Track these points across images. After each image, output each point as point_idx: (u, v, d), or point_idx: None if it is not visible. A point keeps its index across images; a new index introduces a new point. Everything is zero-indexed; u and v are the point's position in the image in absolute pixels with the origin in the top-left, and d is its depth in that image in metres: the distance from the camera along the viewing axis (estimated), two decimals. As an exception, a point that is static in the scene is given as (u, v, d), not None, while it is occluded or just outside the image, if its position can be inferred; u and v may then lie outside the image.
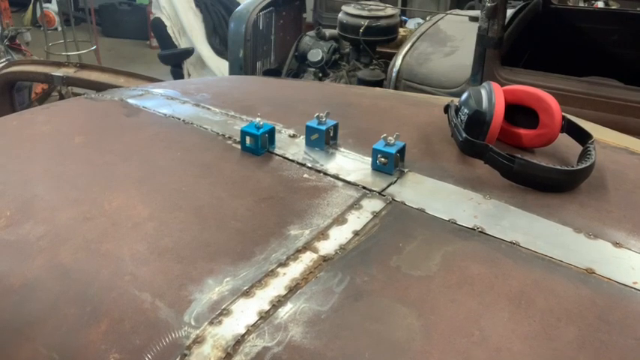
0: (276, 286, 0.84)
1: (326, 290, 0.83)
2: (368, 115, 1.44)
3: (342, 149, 1.22)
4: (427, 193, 1.07)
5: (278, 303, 0.81)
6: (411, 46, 3.11)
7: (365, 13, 3.50)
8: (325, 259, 0.89)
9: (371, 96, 1.65)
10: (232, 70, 3.69)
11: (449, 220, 0.99)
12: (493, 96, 1.16)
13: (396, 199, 1.05)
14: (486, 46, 2.54)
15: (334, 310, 0.79)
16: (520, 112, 1.21)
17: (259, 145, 1.18)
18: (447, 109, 1.27)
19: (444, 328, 0.77)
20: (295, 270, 0.87)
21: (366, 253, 0.91)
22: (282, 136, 1.27)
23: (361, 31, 3.42)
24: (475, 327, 0.77)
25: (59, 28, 7.32)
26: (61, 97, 2.95)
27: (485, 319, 0.78)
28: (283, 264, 0.88)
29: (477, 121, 1.15)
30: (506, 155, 1.07)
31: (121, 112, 1.42)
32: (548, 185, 1.07)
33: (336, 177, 1.12)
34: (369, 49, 3.55)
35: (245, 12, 3.56)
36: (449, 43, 3.18)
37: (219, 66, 6.08)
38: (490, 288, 0.84)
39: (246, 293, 0.82)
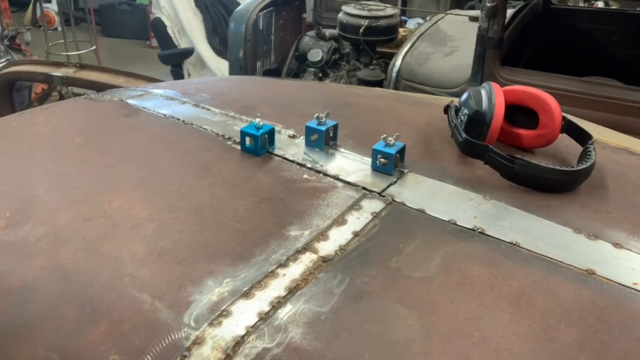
0: (276, 287, 0.83)
1: (326, 291, 0.83)
2: (368, 115, 1.44)
3: (341, 150, 1.21)
4: (427, 194, 1.06)
5: (278, 304, 0.81)
6: (411, 46, 3.11)
7: (365, 13, 3.49)
8: (325, 260, 0.89)
9: (371, 96, 1.65)
10: (232, 70, 3.69)
11: (449, 221, 0.99)
12: (493, 96, 1.16)
13: (395, 199, 1.05)
14: (486, 46, 2.54)
15: (334, 312, 0.79)
16: (520, 113, 1.21)
17: (259, 146, 1.18)
18: (446, 109, 1.27)
19: (444, 329, 0.77)
20: (295, 271, 0.87)
21: (365, 254, 0.91)
22: (281, 136, 1.26)
23: (361, 31, 3.42)
24: (475, 328, 0.77)
25: (59, 28, 7.33)
26: (61, 97, 2.94)
27: (485, 320, 0.78)
28: (283, 265, 0.88)
29: (477, 122, 1.15)
30: (506, 156, 1.07)
31: (120, 113, 1.42)
32: (548, 186, 1.07)
33: (336, 177, 1.12)
34: (369, 49, 3.55)
35: (245, 12, 3.56)
36: (449, 43, 3.18)
37: (219, 66, 6.08)
38: (490, 289, 0.84)
39: (246, 294, 0.82)
